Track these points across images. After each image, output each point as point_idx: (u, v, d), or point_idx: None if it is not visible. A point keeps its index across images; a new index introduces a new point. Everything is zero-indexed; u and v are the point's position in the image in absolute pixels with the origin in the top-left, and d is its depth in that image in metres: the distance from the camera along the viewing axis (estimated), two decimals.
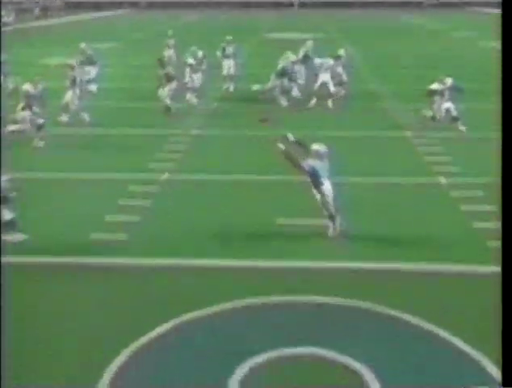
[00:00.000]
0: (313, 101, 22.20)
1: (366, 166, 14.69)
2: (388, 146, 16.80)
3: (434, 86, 18.43)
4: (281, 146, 10.59)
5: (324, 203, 10.52)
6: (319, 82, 22.31)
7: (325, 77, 22.27)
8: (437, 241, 10.57)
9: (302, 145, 10.85)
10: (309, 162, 10.44)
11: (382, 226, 11.15)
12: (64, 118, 19.11)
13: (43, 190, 12.65)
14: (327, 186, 10.45)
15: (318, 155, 10.44)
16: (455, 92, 18.33)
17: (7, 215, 10.15)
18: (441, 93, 18.28)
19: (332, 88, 22.30)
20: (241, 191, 12.96)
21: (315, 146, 10.53)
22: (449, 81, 18.35)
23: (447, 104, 18.20)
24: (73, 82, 19.56)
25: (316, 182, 10.45)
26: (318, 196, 10.56)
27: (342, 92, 23.71)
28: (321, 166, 10.42)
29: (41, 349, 7.53)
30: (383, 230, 10.96)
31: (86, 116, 19.29)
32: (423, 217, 11.65)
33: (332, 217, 10.57)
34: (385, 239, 10.59)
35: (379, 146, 16.78)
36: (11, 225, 10.22)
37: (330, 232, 10.59)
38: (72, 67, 20.15)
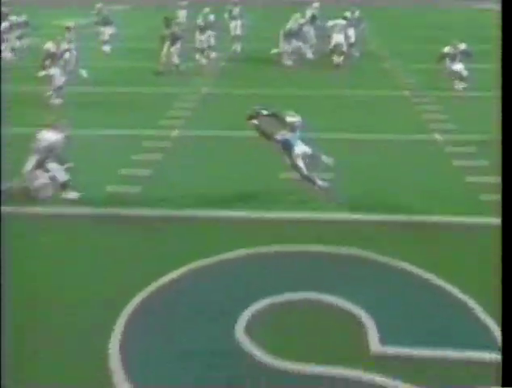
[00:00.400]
0: (341, 59, 22.42)
1: (366, 124, 15.13)
2: (389, 105, 17.26)
3: (447, 49, 18.77)
4: (254, 122, 10.65)
5: (294, 167, 10.55)
6: (333, 44, 22.62)
7: (338, 38, 22.55)
8: (432, 194, 10.91)
9: (278, 117, 10.76)
10: (283, 134, 10.51)
11: (377, 181, 11.48)
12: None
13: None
14: (299, 149, 10.46)
15: (293, 127, 10.51)
16: (464, 56, 18.73)
17: (62, 177, 10.55)
18: (452, 56, 18.70)
19: (345, 48, 22.70)
20: (247, 146, 13.18)
21: (290, 118, 10.54)
22: (462, 45, 18.70)
23: (459, 66, 18.59)
24: (70, 43, 20.14)
25: (289, 150, 10.48)
26: (288, 162, 10.60)
27: (357, 54, 24.18)
28: (293, 135, 10.51)
29: (56, 297, 7.78)
30: (378, 184, 11.30)
31: (83, 73, 19.47)
32: (418, 172, 12.04)
33: (308, 179, 10.57)
34: (381, 192, 10.92)
35: (380, 105, 17.26)
36: (64, 187, 10.63)
37: (316, 189, 10.62)
38: (69, 29, 20.74)
